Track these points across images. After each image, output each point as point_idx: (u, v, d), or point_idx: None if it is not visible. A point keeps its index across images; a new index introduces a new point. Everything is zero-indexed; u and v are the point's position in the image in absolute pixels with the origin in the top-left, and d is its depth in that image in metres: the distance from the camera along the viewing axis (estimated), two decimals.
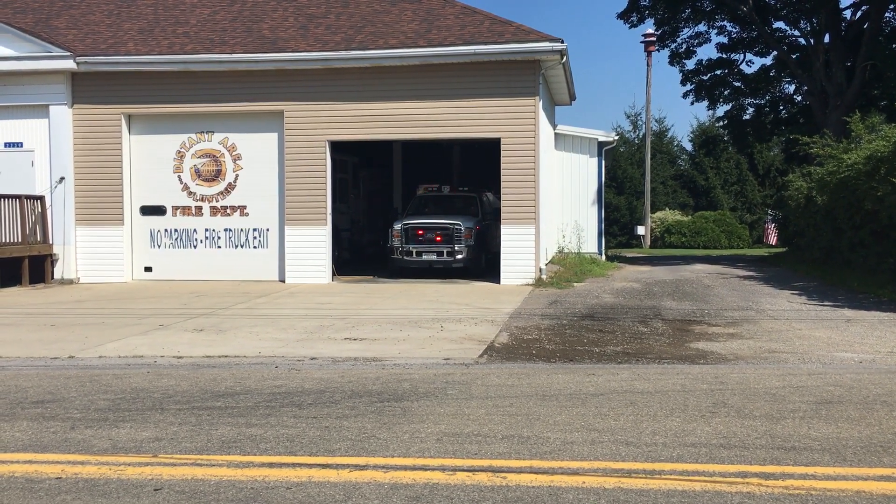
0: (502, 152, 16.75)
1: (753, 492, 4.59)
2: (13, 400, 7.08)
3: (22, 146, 18.23)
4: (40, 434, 5.95)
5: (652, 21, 29.14)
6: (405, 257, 17.93)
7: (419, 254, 17.88)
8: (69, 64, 17.47)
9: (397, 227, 18.10)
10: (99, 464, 5.23)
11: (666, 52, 29.39)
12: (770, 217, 39.41)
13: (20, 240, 17.08)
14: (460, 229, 17.77)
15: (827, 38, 25.45)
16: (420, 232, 17.90)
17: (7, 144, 18.25)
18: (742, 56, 29.00)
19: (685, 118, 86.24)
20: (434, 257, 17.84)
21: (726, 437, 5.66)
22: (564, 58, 16.62)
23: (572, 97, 22.42)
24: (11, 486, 4.84)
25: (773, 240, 38.78)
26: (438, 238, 17.83)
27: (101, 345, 9.90)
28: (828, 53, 25.24)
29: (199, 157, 18.00)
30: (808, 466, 5.03)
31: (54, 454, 5.45)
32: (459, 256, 17.74)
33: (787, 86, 29.65)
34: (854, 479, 4.82)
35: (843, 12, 26.10)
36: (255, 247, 17.90)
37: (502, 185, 16.85)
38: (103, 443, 5.71)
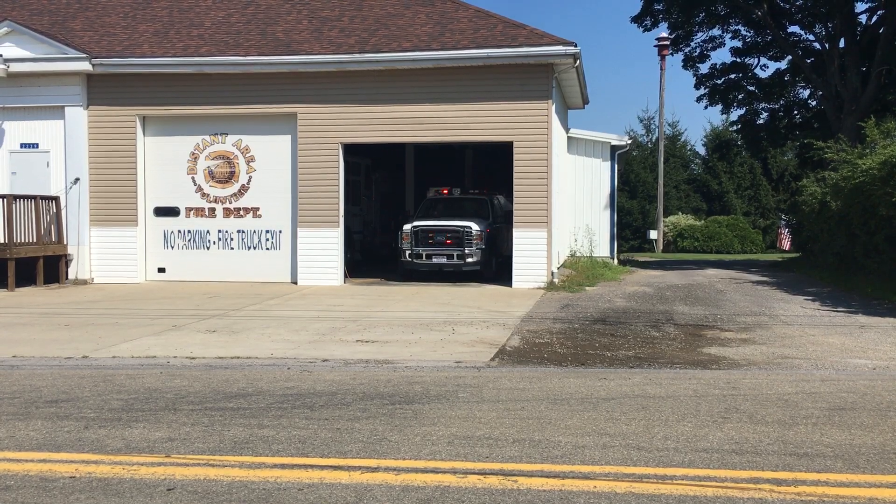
0: (515, 156, 16.74)
1: (765, 498, 4.58)
2: (28, 399, 7.13)
3: (37, 147, 18.37)
4: (54, 433, 6.00)
5: (666, 25, 29.10)
6: (414, 260, 17.69)
7: (429, 256, 17.62)
8: (85, 65, 17.60)
9: (407, 228, 17.86)
10: (112, 463, 5.27)
11: (680, 56, 29.34)
12: (784, 222, 39.24)
13: (35, 240, 17.21)
14: (471, 232, 17.51)
15: (842, 43, 25.32)
16: (430, 234, 17.66)
17: (23, 145, 18.40)
18: (756, 60, 28.88)
19: (699, 122, 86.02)
20: (444, 260, 17.59)
21: (738, 443, 5.64)
22: (578, 61, 16.61)
23: (585, 101, 22.40)
24: (26, 484, 4.88)
25: (786, 245, 38.59)
26: (448, 241, 17.57)
27: (115, 345, 9.96)
28: (843, 58, 25.11)
29: (213, 159, 18.08)
30: (820, 473, 5.01)
31: (68, 453, 5.49)
32: (469, 260, 17.48)
33: (801, 90, 29.51)
34: (867, 486, 4.79)
35: (859, 17, 25.96)
36: (267, 248, 17.96)
37: (515, 188, 16.84)
38: (117, 442, 5.75)
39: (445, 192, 19.67)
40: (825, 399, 7.03)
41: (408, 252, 17.73)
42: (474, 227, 17.62)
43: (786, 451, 5.48)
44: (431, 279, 17.86)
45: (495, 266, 18.18)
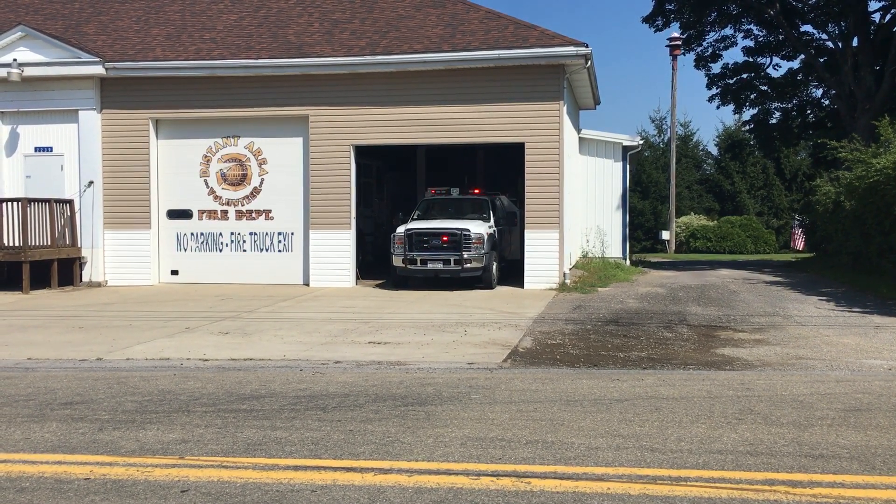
0: (526, 157, 16.72)
1: (780, 500, 4.55)
2: (42, 401, 7.17)
3: (52, 150, 18.49)
4: (69, 435, 6.03)
5: (677, 25, 29.01)
6: (409, 266, 16.33)
7: (423, 262, 16.23)
8: (98, 69, 17.70)
9: (400, 232, 16.49)
10: (126, 465, 5.29)
11: (691, 56, 29.26)
12: (797, 222, 39.02)
13: (49, 243, 17.31)
14: (469, 235, 16.07)
15: (855, 42, 25.17)
16: (425, 238, 16.27)
17: (37, 149, 18.53)
18: (769, 60, 28.75)
19: (711, 122, 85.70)
20: (440, 266, 16.17)
21: (753, 445, 5.61)
22: (589, 62, 16.58)
23: (597, 101, 22.36)
24: (41, 486, 4.91)
25: (800, 245, 38.38)
26: (445, 245, 16.17)
27: (129, 347, 10.01)
28: (856, 57, 24.96)
29: (226, 162, 18.15)
30: (836, 475, 4.97)
31: (83, 455, 5.52)
32: (468, 265, 16.06)
33: (814, 90, 29.34)
34: (883, 487, 4.76)
35: (872, 15, 25.81)
36: (279, 250, 18.01)
37: (526, 189, 16.82)
38: (131, 444, 5.77)
39: (444, 192, 18.36)
40: (840, 400, 6.98)
41: (401, 257, 16.37)
42: (473, 229, 16.22)
43: (801, 452, 5.44)
44: (427, 287, 16.71)
45: (496, 271, 16.93)
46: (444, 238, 16.19)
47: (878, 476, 4.95)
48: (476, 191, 18.44)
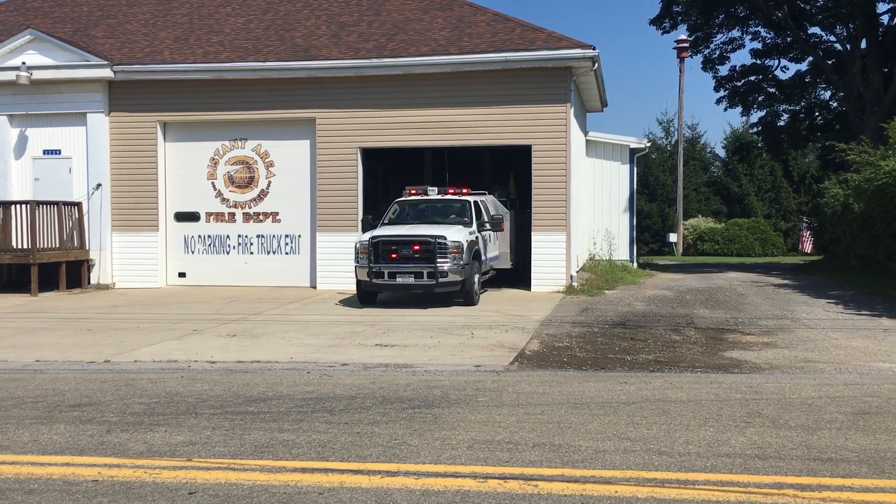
0: (533, 159, 16.71)
1: (789, 503, 4.53)
2: (51, 403, 7.20)
3: (60, 153, 18.56)
4: (77, 437, 6.05)
5: (685, 27, 28.96)
6: (374, 280, 13.94)
7: (392, 275, 13.88)
8: (106, 72, 17.76)
9: (364, 240, 14.19)
10: (134, 467, 5.31)
11: (699, 58, 29.21)
12: (805, 224, 38.87)
13: (58, 245, 17.37)
14: (445, 243, 13.74)
15: (864, 44, 25.10)
16: (393, 247, 13.96)
17: (46, 151, 18.60)
18: (776, 62, 28.68)
19: (718, 124, 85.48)
20: (411, 280, 13.84)
21: (761, 448, 5.59)
22: (596, 64, 16.56)
23: (604, 104, 22.33)
24: (49, 488, 4.93)
25: (808, 248, 38.25)
26: (417, 255, 13.87)
27: (137, 349, 10.03)
28: (864, 59, 24.88)
29: (233, 164, 18.19)
30: (845, 478, 4.95)
31: (91, 457, 5.54)
32: (444, 279, 13.71)
33: (822, 92, 29.26)
34: (892, 491, 4.74)
35: (881, 17, 25.70)
36: (286, 253, 18.04)
37: (533, 191, 16.80)
38: (138, 446, 5.78)
39: (418, 192, 16.10)
40: (849, 403, 6.95)
41: (366, 270, 13.98)
42: (449, 236, 13.92)
43: (810, 455, 5.42)
44: (398, 304, 14.55)
45: (479, 283, 14.82)
46: (416, 247, 13.89)
47: (887, 479, 4.93)
48: (459, 190, 15.99)
